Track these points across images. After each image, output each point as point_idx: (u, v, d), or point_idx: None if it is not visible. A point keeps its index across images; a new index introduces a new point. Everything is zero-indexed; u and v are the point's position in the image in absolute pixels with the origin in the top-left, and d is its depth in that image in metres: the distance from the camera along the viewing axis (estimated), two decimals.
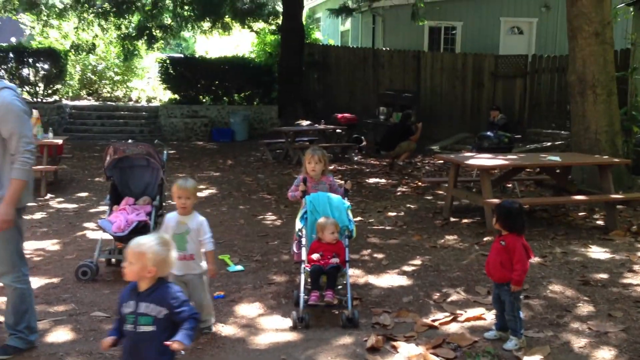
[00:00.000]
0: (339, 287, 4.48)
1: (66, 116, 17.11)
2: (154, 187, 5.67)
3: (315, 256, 4.47)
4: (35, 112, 9.18)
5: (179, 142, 16.26)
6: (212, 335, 4.14)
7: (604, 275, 5.29)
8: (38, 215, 7.77)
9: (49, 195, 8.95)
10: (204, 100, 18.64)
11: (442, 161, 12.21)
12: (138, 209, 5.44)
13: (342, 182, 5.07)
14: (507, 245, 3.94)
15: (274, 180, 10.83)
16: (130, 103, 20.85)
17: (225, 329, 4.24)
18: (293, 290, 4.80)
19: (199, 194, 9.24)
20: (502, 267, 3.93)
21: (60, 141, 9.44)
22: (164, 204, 5.65)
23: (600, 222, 7.28)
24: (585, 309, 4.54)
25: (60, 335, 4.11)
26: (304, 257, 4.49)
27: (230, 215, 7.99)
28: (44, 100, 17.60)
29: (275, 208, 8.47)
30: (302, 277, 4.42)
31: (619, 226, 6.85)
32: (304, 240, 4.59)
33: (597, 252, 6.01)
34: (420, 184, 10.32)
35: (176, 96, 18.88)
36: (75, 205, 8.46)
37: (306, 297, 4.31)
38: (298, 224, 4.68)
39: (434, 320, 4.36)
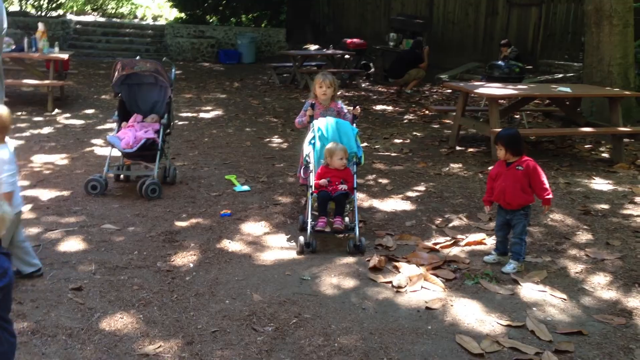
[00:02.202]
0: (346, 214, 4.51)
1: (71, 32, 16.84)
2: (162, 105, 5.66)
3: (322, 182, 4.44)
4: (41, 26, 9.05)
5: (185, 62, 16.07)
6: (219, 250, 4.26)
7: (605, 206, 5.36)
8: (46, 130, 7.81)
9: (56, 111, 8.95)
10: (211, 20, 18.26)
11: (450, 90, 12.08)
12: (146, 126, 5.46)
13: (351, 108, 5.00)
14: (525, 168, 3.97)
15: (281, 103, 10.78)
16: (136, 20, 20.47)
17: (232, 245, 4.36)
18: (298, 214, 4.89)
19: (206, 115, 9.31)
20: (523, 192, 3.97)
21: (66, 56, 9.34)
22: (172, 122, 5.66)
23: (605, 155, 7.29)
24: (584, 237, 4.64)
25: (72, 244, 4.23)
26: (311, 182, 4.46)
27: (236, 137, 8.02)
28: (48, 15, 17.27)
29: (282, 131, 8.48)
30: (309, 202, 4.40)
31: (624, 159, 6.88)
32: (311, 166, 4.53)
33: (600, 184, 6.06)
34: (427, 112, 10.27)
35: (182, 15, 18.49)
36: (82, 122, 8.48)
37: (313, 222, 4.31)
38: (306, 149, 4.63)
39: (435, 244, 4.47)
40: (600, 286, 3.83)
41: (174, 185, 5.66)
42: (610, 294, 3.72)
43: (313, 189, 4.43)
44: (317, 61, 14.18)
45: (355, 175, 4.55)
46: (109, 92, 10.98)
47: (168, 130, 5.59)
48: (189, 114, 9.35)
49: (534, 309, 3.52)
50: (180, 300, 3.51)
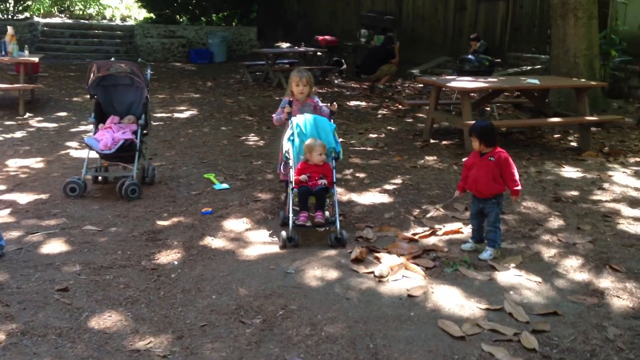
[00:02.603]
0: (326, 208, 4.60)
1: (38, 34, 16.61)
2: (139, 106, 5.67)
3: (302, 177, 4.51)
4: (10, 29, 8.94)
5: (157, 62, 15.98)
6: (203, 247, 4.31)
7: (575, 193, 5.54)
8: (19, 134, 7.74)
9: (27, 115, 8.86)
10: (181, 20, 18.17)
11: (422, 85, 12.26)
12: (124, 127, 5.47)
13: (328, 103, 5.07)
14: (497, 160, 4.10)
15: (255, 102, 10.82)
16: (104, 21, 20.23)
17: (215, 242, 4.42)
18: (279, 209, 4.96)
19: (180, 115, 9.30)
20: (494, 182, 4.10)
21: (36, 59, 9.24)
22: (149, 123, 5.68)
23: (574, 144, 7.51)
24: (556, 223, 4.80)
25: (55, 247, 4.24)
26: (291, 178, 4.53)
27: (212, 136, 8.05)
28: (15, 18, 16.98)
29: (258, 129, 8.53)
30: (290, 198, 4.47)
31: (592, 147, 7.10)
32: (291, 162, 4.61)
33: (569, 172, 6.26)
34: (400, 106, 10.42)
35: (152, 15, 18.35)
36: (55, 125, 8.41)
37: (294, 217, 4.38)
38: (285, 145, 4.70)
39: (414, 234, 4.58)
40: (573, 269, 3.99)
41: (153, 186, 5.68)
42: (583, 276, 3.88)
43: (293, 185, 4.50)
44: (289, 59, 14.24)
45: (334, 170, 4.64)
46: (80, 95, 10.90)
47: (145, 131, 5.61)
48: (164, 114, 9.34)
49: (511, 292, 3.66)
50: (167, 297, 3.56)
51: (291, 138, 4.72)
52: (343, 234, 4.33)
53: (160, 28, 17.30)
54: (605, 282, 3.79)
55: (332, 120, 4.91)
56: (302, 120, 4.76)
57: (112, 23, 19.88)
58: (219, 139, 7.83)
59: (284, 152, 4.71)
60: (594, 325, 3.28)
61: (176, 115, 9.42)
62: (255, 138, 7.99)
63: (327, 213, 4.59)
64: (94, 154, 5.43)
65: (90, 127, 6.14)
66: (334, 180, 4.59)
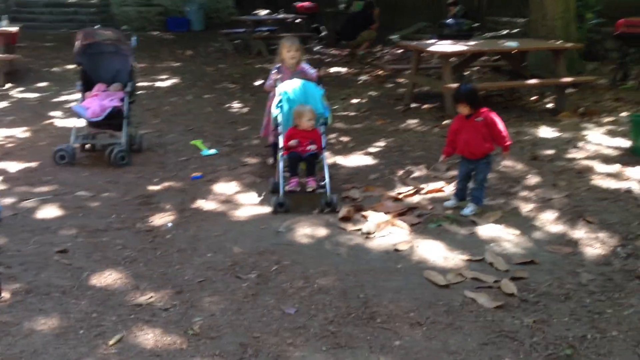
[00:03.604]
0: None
1: (12, 4, 16.26)
2: (125, 73, 5.71)
3: (292, 143, 4.52)
4: None
5: (134, 31, 15.76)
6: (195, 209, 4.44)
7: (551, 152, 5.75)
8: (1, 105, 7.73)
9: (7, 85, 8.81)
10: None
11: (401, 50, 12.34)
12: (111, 95, 5.52)
13: (317, 69, 5.17)
14: (484, 120, 4.25)
15: (237, 70, 10.83)
16: None
17: (207, 205, 4.55)
18: (266, 173, 5.08)
19: (162, 84, 9.30)
20: (484, 141, 4.26)
21: (15, 29, 9.15)
22: (135, 91, 5.73)
23: (550, 105, 7.71)
24: (533, 180, 5.01)
25: (50, 212, 4.34)
26: (280, 144, 4.57)
27: (196, 104, 8.10)
28: None
29: (241, 97, 8.60)
30: (280, 164, 4.50)
31: (568, 108, 7.30)
32: (280, 128, 4.64)
33: (546, 132, 6.47)
34: (381, 72, 10.51)
35: None
36: (37, 95, 8.39)
37: (285, 183, 4.43)
38: (274, 112, 4.72)
39: (398, 194, 4.76)
40: (549, 222, 4.20)
41: (142, 153, 5.77)
42: (558, 228, 4.10)
43: (283, 151, 4.54)
44: (268, 26, 14.17)
45: (323, 136, 4.69)
46: (59, 64, 10.82)
47: (132, 99, 5.66)
48: (145, 83, 9.32)
49: (492, 244, 3.86)
50: (164, 256, 3.70)
51: (279, 104, 4.73)
52: (333, 199, 4.39)
53: None
54: (580, 233, 4.01)
55: (320, 86, 4.94)
56: (290, 87, 4.78)
57: None
58: (203, 107, 7.89)
59: (272, 117, 4.76)
60: (569, 272, 3.50)
61: (158, 84, 9.43)
62: (239, 105, 8.06)
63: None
64: (81, 122, 5.48)
65: (74, 96, 6.19)
66: (323, 145, 4.63)
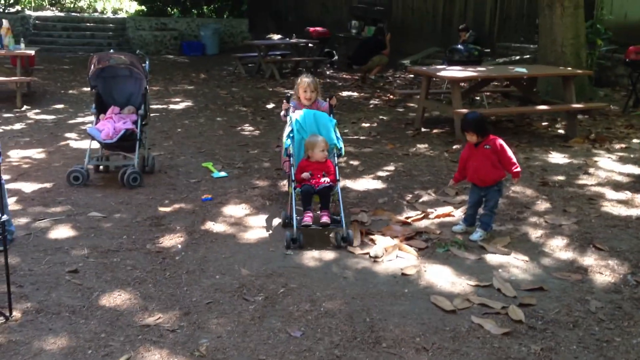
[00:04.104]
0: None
1: (30, 27, 16.63)
2: (138, 96, 5.81)
3: (305, 175, 4.40)
4: (5, 22, 9.03)
5: (149, 55, 16.00)
6: (204, 231, 4.48)
7: (562, 177, 5.75)
8: (18, 126, 7.85)
9: (25, 107, 8.96)
10: (172, 12, 18.24)
11: (412, 75, 12.43)
12: (124, 117, 5.61)
13: (327, 98, 5.05)
14: (492, 147, 4.28)
15: (249, 93, 10.96)
16: (96, 14, 20.23)
17: (216, 227, 4.59)
18: (279, 203, 5.10)
19: (175, 106, 9.43)
20: (494, 168, 4.29)
21: (32, 52, 9.33)
22: (148, 113, 5.82)
23: (561, 131, 7.72)
24: (543, 206, 5.01)
25: (62, 232, 4.40)
26: (293, 177, 4.43)
27: (208, 126, 8.19)
28: (7, 11, 16.99)
29: (252, 120, 8.68)
30: (293, 197, 4.34)
31: (579, 134, 7.31)
32: (292, 160, 4.49)
33: (556, 158, 6.47)
34: (392, 96, 10.60)
35: (143, 7, 18.39)
36: (53, 117, 8.52)
37: (298, 217, 4.24)
38: (286, 142, 4.60)
39: (407, 218, 4.77)
40: (559, 248, 4.19)
41: (153, 174, 5.83)
42: (568, 254, 4.09)
43: (296, 184, 4.39)
44: (281, 50, 14.35)
45: (337, 167, 4.55)
46: (75, 87, 11.01)
47: (145, 121, 5.76)
48: (159, 106, 9.46)
49: (500, 270, 3.86)
50: (173, 277, 3.73)
51: (291, 135, 4.62)
52: (349, 234, 4.21)
53: (152, 21, 17.37)
54: (589, 259, 4.00)
55: (332, 115, 4.82)
56: (301, 116, 4.68)
57: (104, 16, 19.90)
58: (214, 129, 7.98)
59: (283, 148, 4.64)
60: (577, 299, 3.48)
61: (171, 106, 9.55)
62: (250, 128, 8.14)
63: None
64: (95, 144, 5.57)
65: (89, 118, 6.29)
66: (337, 177, 4.50)
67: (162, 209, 4.93)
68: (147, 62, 5.93)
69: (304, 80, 4.97)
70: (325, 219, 4.28)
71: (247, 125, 8.32)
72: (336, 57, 14.92)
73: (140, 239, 4.31)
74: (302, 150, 4.57)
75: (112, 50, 5.99)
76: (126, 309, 3.34)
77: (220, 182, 5.68)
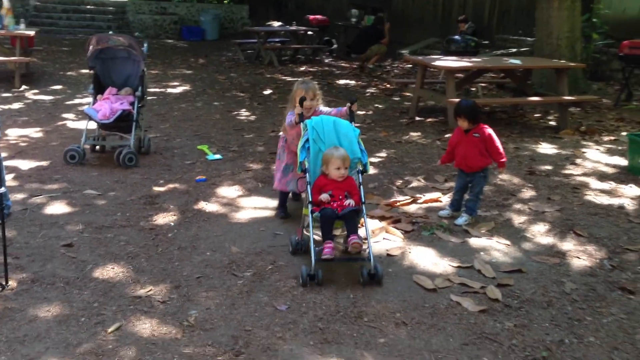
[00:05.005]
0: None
1: (31, 9, 16.64)
2: (136, 78, 5.90)
3: (323, 197, 3.66)
4: (6, 2, 9.08)
5: (149, 39, 16.05)
6: (197, 210, 4.60)
7: (549, 167, 5.87)
8: (16, 106, 7.94)
9: (23, 87, 9.05)
10: None
11: (410, 65, 12.51)
12: (121, 98, 5.71)
13: (330, 109, 4.29)
14: (481, 135, 4.39)
15: (247, 79, 11.04)
16: None
17: (209, 206, 4.70)
18: (271, 180, 5.17)
19: (173, 90, 9.52)
20: (482, 156, 4.41)
21: (32, 33, 9.40)
22: (145, 95, 5.92)
23: (553, 123, 7.83)
24: (528, 193, 5.13)
25: (58, 208, 4.52)
26: (310, 197, 3.69)
27: (205, 110, 8.29)
28: None
29: (249, 105, 8.78)
30: (310, 222, 3.62)
31: (569, 126, 7.42)
32: (308, 176, 3.73)
33: (545, 148, 6.59)
34: (388, 85, 10.69)
35: None
36: (51, 97, 8.61)
37: (317, 248, 3.55)
38: (300, 155, 3.80)
39: (395, 202, 4.89)
40: (540, 233, 4.32)
41: (149, 155, 5.94)
42: (548, 240, 4.21)
43: (313, 206, 3.65)
44: (280, 37, 14.42)
45: (361, 186, 3.77)
46: (74, 69, 11.08)
47: (142, 103, 5.86)
48: (157, 89, 9.55)
49: (482, 253, 3.98)
50: (165, 253, 3.86)
51: (306, 145, 3.82)
52: (378, 269, 3.50)
53: (152, 5, 17.38)
54: (568, 245, 4.12)
55: (353, 123, 4.00)
56: (318, 123, 3.86)
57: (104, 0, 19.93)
58: (211, 114, 8.07)
59: (298, 162, 3.82)
60: (554, 281, 3.61)
61: (169, 90, 9.64)
62: (247, 113, 8.24)
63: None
64: (92, 124, 5.68)
65: (87, 99, 6.38)
66: (363, 199, 3.72)
67: (156, 188, 5.05)
68: (145, 45, 6.02)
69: (300, 86, 4.24)
70: (355, 245, 3.54)
71: (243, 110, 8.42)
72: (335, 46, 14.98)
73: (134, 217, 4.42)
74: (318, 164, 3.82)
75: (111, 32, 6.07)
76: (119, 281, 3.46)
77: (215, 165, 5.79)
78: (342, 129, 3.86)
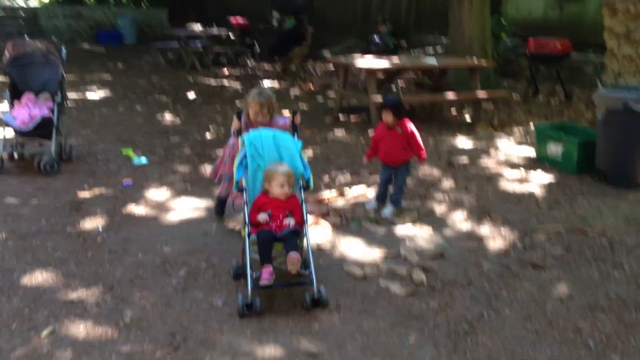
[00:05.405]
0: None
1: None
2: (54, 83, 5.76)
3: (262, 217, 3.42)
4: None
5: (63, 42, 15.54)
6: (126, 214, 4.57)
7: (466, 159, 6.21)
8: None
9: None
10: (88, 0, 17.73)
11: (332, 66, 12.76)
12: (40, 104, 5.56)
13: (288, 116, 4.14)
14: (403, 131, 4.61)
15: (169, 83, 10.92)
16: (6, 2, 19.36)
17: (138, 210, 4.68)
18: (202, 192, 4.93)
19: (93, 96, 9.30)
20: (403, 150, 4.62)
21: None
22: (65, 100, 5.79)
23: (468, 118, 8.25)
24: (447, 184, 5.42)
25: None
26: (247, 219, 3.43)
27: (127, 115, 8.16)
28: None
29: (173, 109, 8.70)
30: (247, 245, 3.35)
31: (483, 120, 7.85)
32: (245, 196, 3.50)
33: (462, 142, 6.95)
34: (312, 87, 10.87)
35: None
36: None
37: (255, 274, 3.25)
38: (236, 172, 3.56)
39: (324, 197, 5.05)
40: (459, 221, 4.59)
41: (71, 162, 5.81)
42: (467, 226, 4.49)
43: (250, 228, 3.40)
44: (202, 41, 14.30)
45: (303, 204, 3.55)
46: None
47: (61, 109, 5.72)
48: (75, 96, 9.26)
49: (407, 241, 4.20)
50: (95, 257, 3.83)
51: (244, 162, 3.59)
52: (322, 292, 3.28)
53: (67, 9, 16.81)
54: (485, 229, 4.42)
55: (295, 136, 3.83)
56: (256, 138, 3.63)
57: (15, 5, 19.09)
58: (134, 118, 7.96)
59: (234, 181, 3.57)
60: (473, 263, 3.87)
61: (89, 96, 9.40)
62: (171, 117, 8.18)
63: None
64: (10, 132, 5.50)
65: (2, 106, 6.13)
66: (305, 218, 3.49)
67: (81, 194, 4.97)
68: (63, 49, 5.89)
69: (254, 96, 4.07)
70: (293, 262, 3.25)
71: (167, 113, 8.34)
72: (257, 48, 15.03)
73: (59, 223, 4.35)
74: (257, 182, 3.58)
75: (27, 37, 5.90)
76: (48, 287, 3.42)
77: (141, 169, 5.75)
78: (283, 142, 3.64)
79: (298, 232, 3.39)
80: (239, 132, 3.80)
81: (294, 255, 3.25)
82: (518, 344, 3.00)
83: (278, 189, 3.46)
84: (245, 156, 3.58)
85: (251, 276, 3.22)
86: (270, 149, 3.60)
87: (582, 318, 3.23)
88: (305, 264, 3.40)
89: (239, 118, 3.93)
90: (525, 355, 2.92)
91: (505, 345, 2.99)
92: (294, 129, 3.90)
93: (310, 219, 4.49)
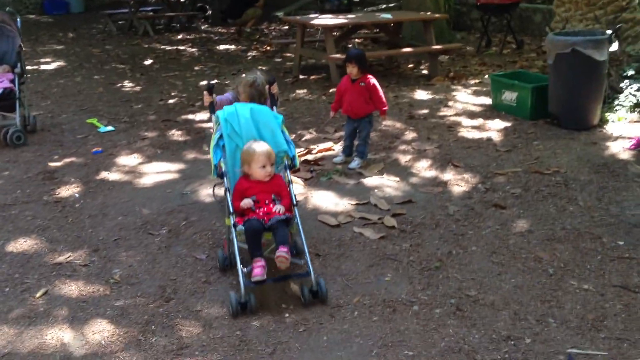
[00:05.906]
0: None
1: None
2: (12, 54, 5.69)
3: (246, 203, 3.09)
4: None
5: (17, 12, 15.00)
6: (100, 180, 4.64)
7: (426, 111, 6.44)
8: None
9: None
10: None
11: (287, 26, 12.75)
12: (0, 76, 5.49)
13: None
14: (366, 85, 4.77)
15: (124, 50, 10.75)
16: None
17: (112, 176, 4.76)
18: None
19: (47, 67, 9.12)
20: (366, 103, 4.79)
21: None
22: (24, 71, 5.73)
23: (425, 71, 8.46)
24: (410, 135, 5.64)
25: None
26: (230, 207, 3.11)
27: (86, 84, 8.07)
28: None
29: (132, 76, 8.64)
30: (234, 236, 3.03)
31: (440, 73, 8.07)
32: (226, 181, 3.17)
33: (421, 95, 7.17)
34: (269, 48, 10.87)
35: None
36: None
37: (246, 269, 2.98)
38: (214, 155, 3.21)
39: None
40: (424, 168, 4.83)
41: (36, 133, 5.80)
42: (431, 173, 4.73)
43: (235, 217, 3.07)
44: (152, 6, 14.04)
45: (291, 185, 3.24)
46: None
47: (22, 79, 5.67)
48: (29, 67, 9.02)
49: (375, 190, 4.42)
50: (76, 222, 3.92)
51: (220, 143, 3.23)
52: (321, 284, 3.01)
53: None
54: (449, 175, 4.66)
55: (275, 108, 3.53)
56: (231, 115, 3.26)
57: None
58: (93, 87, 7.89)
59: (212, 164, 3.23)
60: (439, 206, 4.12)
61: (43, 67, 9.23)
62: (131, 84, 8.13)
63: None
64: None
65: None
66: (294, 201, 3.18)
67: (52, 164, 4.99)
68: (18, 20, 5.79)
69: (248, 78, 3.72)
70: (282, 258, 2.97)
71: (127, 81, 8.28)
72: (209, 12, 14.83)
73: (35, 192, 4.40)
74: (237, 164, 3.25)
75: None
76: (35, 252, 3.51)
77: (108, 136, 5.77)
78: (262, 118, 3.27)
79: (288, 221, 3.09)
80: (211, 109, 3.52)
81: (283, 254, 2.96)
82: (485, 276, 3.26)
83: (259, 171, 3.11)
84: (221, 136, 3.21)
85: (242, 272, 2.93)
86: (249, 126, 3.23)
87: (542, 249, 3.52)
88: (297, 251, 3.21)
89: (210, 93, 3.56)
90: (493, 285, 3.19)
91: (473, 277, 3.25)
92: (272, 101, 3.57)
93: None
